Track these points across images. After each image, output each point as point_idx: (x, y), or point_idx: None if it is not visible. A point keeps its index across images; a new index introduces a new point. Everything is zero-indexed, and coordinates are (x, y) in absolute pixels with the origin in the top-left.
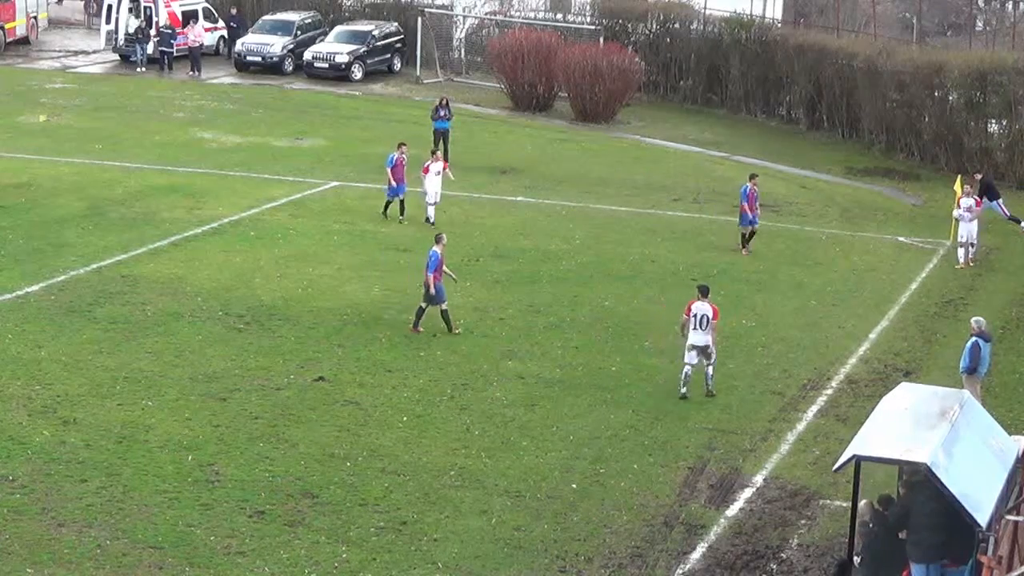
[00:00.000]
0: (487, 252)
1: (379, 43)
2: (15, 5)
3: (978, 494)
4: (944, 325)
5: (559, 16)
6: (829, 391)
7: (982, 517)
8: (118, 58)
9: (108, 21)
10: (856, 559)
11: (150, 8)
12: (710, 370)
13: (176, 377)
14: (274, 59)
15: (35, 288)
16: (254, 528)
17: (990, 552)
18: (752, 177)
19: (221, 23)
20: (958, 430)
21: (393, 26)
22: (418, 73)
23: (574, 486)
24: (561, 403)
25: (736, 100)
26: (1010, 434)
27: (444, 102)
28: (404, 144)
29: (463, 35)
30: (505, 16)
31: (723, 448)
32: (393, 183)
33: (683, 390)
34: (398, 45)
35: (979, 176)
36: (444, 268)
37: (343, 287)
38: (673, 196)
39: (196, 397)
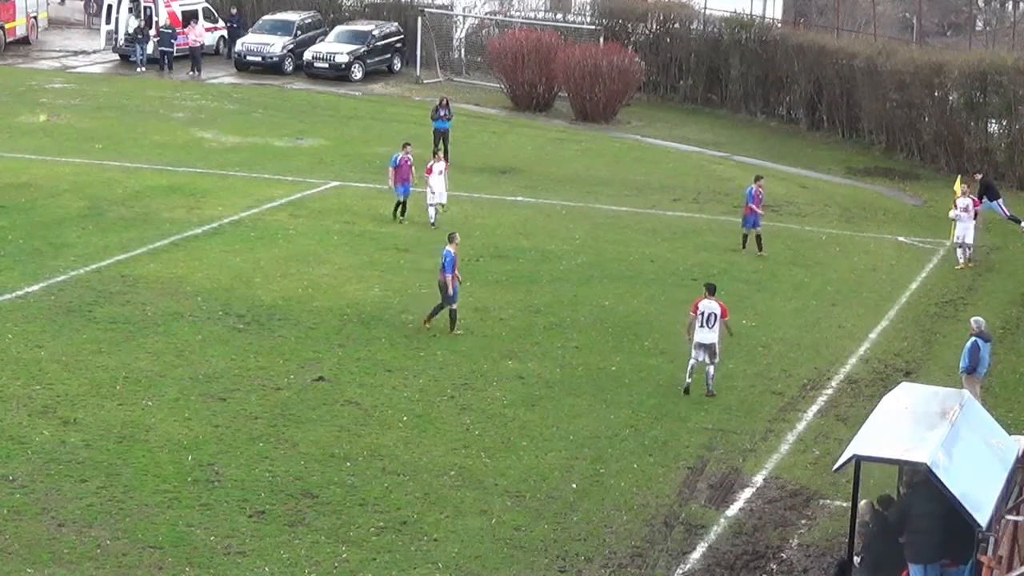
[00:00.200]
0: (487, 252)
1: (379, 43)
2: (15, 5)
3: (978, 494)
4: (944, 325)
5: (559, 16)
6: (829, 391)
7: (982, 517)
8: (118, 58)
9: (108, 21)
10: (856, 559)
11: (150, 8)
12: (711, 370)
13: (176, 377)
14: (274, 59)
15: (35, 288)
16: (254, 528)
17: (990, 552)
18: (757, 179)
19: (221, 23)
20: (958, 430)
21: (393, 26)
22: (418, 73)
23: (574, 486)
24: (561, 403)
25: (736, 100)
26: (1010, 434)
27: (444, 102)
28: (409, 144)
29: (463, 35)
30: (505, 16)
31: (723, 448)
32: (397, 183)
33: (688, 381)
34: (398, 45)
35: (979, 176)
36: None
37: (343, 287)
38: (673, 196)
39: (196, 397)
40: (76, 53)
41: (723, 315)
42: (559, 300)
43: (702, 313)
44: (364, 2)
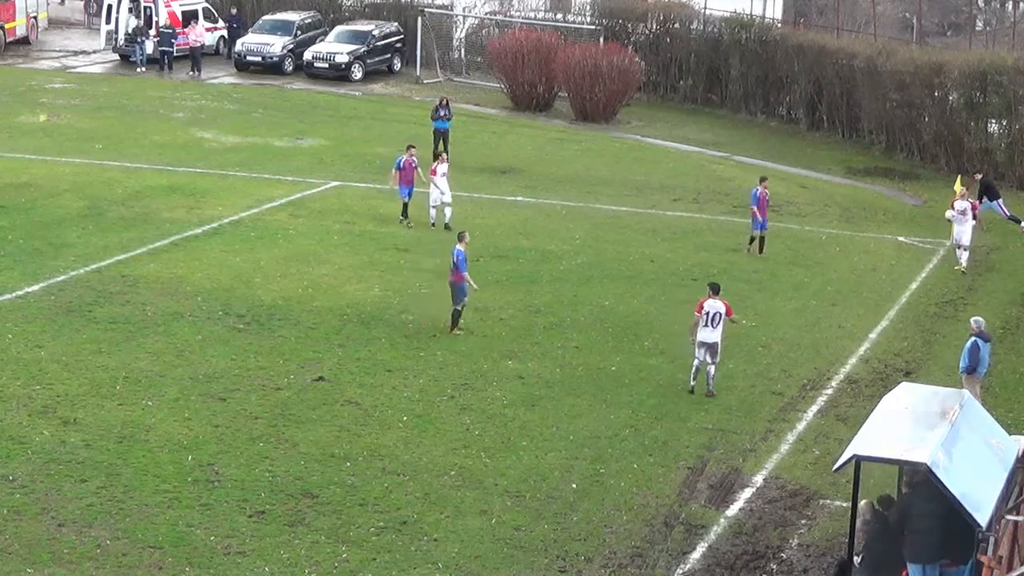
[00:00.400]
0: (487, 252)
1: (379, 43)
2: (15, 5)
3: (978, 494)
4: (944, 325)
5: (559, 16)
6: (829, 391)
7: (982, 517)
8: (118, 58)
9: (108, 21)
10: (856, 559)
11: (150, 8)
12: (711, 370)
13: (176, 377)
14: (274, 59)
15: (35, 288)
16: (254, 528)
17: (990, 552)
18: (762, 180)
19: (221, 23)
20: (958, 430)
21: (393, 26)
22: (418, 73)
23: (574, 486)
24: (561, 403)
25: (736, 100)
26: (1010, 434)
27: (444, 102)
28: (413, 147)
29: (463, 35)
30: (505, 16)
31: (723, 448)
32: (401, 185)
33: (692, 383)
34: (398, 45)
35: (979, 176)
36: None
37: (343, 287)
38: (673, 196)
39: (196, 397)
40: (76, 53)
41: (728, 314)
42: (559, 300)
43: (707, 313)
44: (364, 2)
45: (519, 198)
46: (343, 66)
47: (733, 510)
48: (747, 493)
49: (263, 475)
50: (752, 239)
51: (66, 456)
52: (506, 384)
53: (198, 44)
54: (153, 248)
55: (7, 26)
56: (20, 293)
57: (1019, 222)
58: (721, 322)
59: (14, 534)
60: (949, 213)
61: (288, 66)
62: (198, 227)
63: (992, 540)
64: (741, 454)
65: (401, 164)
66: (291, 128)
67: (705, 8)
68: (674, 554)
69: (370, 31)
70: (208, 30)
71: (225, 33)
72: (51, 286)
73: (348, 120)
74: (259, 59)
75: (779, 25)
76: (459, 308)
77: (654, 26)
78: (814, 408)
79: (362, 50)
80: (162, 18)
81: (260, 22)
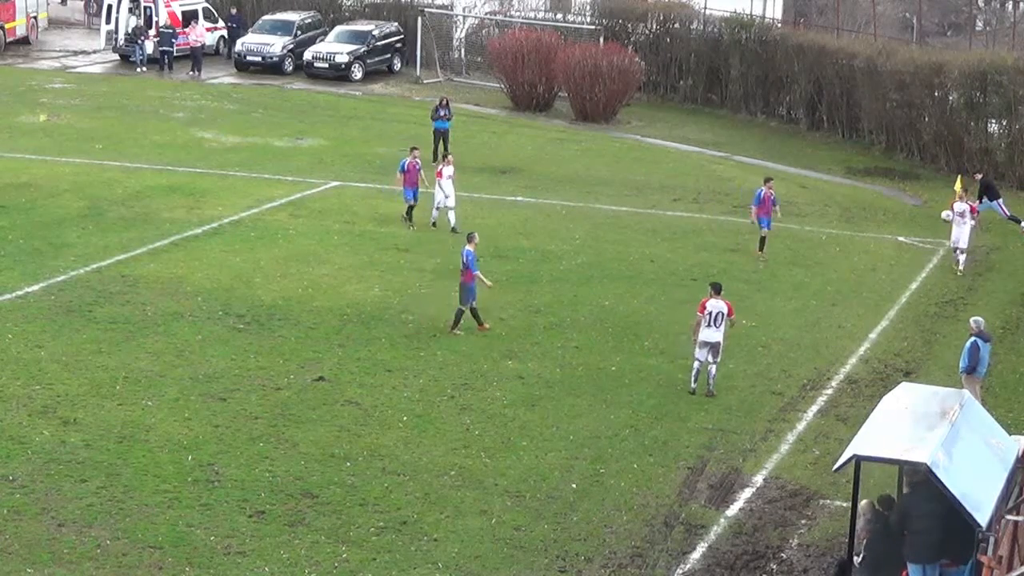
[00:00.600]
0: (487, 252)
1: (379, 43)
2: (15, 5)
3: (978, 494)
4: (944, 325)
5: (559, 16)
6: (829, 391)
7: (982, 517)
8: (118, 58)
9: (108, 21)
10: (856, 559)
11: (150, 8)
12: (712, 369)
13: (176, 377)
14: (274, 59)
15: (35, 288)
16: (254, 528)
17: (990, 552)
18: (767, 180)
19: (221, 23)
20: (958, 430)
21: (393, 26)
22: (418, 73)
23: (574, 486)
24: (561, 403)
25: (736, 100)
26: (1010, 434)
27: (444, 102)
28: (417, 148)
29: (463, 35)
30: (505, 16)
31: (723, 448)
32: (405, 187)
33: (693, 385)
34: (398, 45)
35: (979, 176)
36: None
37: (343, 287)
38: (673, 196)
39: (196, 397)
40: (76, 53)
41: (730, 313)
42: (559, 300)
43: (709, 313)
44: (364, 2)
45: (519, 198)
46: (343, 66)
47: (733, 510)
48: (747, 493)
49: (263, 475)
50: (763, 240)
51: (66, 456)
52: (506, 384)
53: (198, 44)
54: (153, 248)
55: (7, 26)
56: (20, 293)
57: (1019, 222)
58: (723, 322)
59: (14, 534)
60: (945, 214)
61: (288, 66)
62: (198, 227)
63: (992, 540)
64: (741, 454)
65: (405, 166)
66: (291, 128)
67: (705, 8)
68: (674, 554)
69: (370, 31)
70: (208, 30)
71: (225, 33)
72: (51, 286)
73: (348, 120)
74: (259, 59)
75: (779, 25)
76: (464, 309)
77: (654, 26)
78: (814, 408)
79: (362, 50)
80: (162, 18)
81: (260, 22)
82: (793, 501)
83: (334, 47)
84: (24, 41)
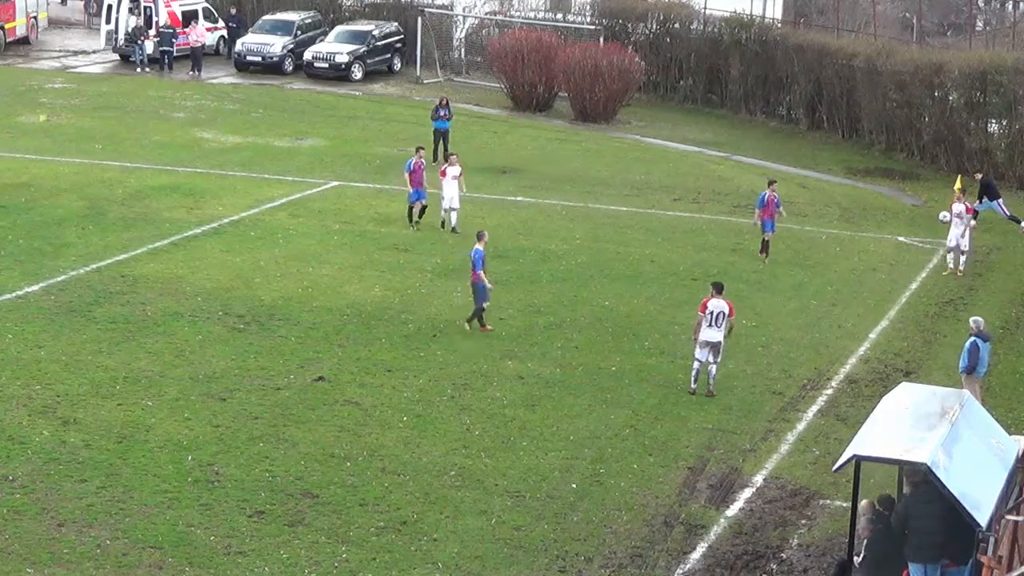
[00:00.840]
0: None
1: (379, 43)
2: (15, 5)
3: (978, 494)
4: (944, 325)
5: (559, 16)
6: (829, 391)
7: (982, 517)
8: (118, 58)
9: (108, 21)
10: (856, 559)
11: (150, 8)
12: (713, 369)
13: (176, 377)
14: (274, 59)
15: (35, 288)
16: (254, 528)
17: (990, 552)
18: (771, 183)
19: (221, 23)
20: (958, 430)
21: (393, 26)
22: (418, 73)
23: (574, 486)
24: (561, 403)
25: (736, 100)
26: (1010, 434)
27: (444, 102)
28: (422, 148)
29: (463, 35)
30: (505, 16)
31: (723, 448)
32: (412, 187)
33: (693, 386)
34: (398, 45)
35: (979, 176)
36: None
37: (343, 287)
38: (673, 196)
39: (196, 397)
40: (76, 53)
41: (731, 313)
42: (559, 300)
43: (711, 312)
44: (364, 2)
45: (519, 198)
46: (343, 66)
47: (733, 510)
48: (747, 493)
49: (263, 475)
50: (764, 243)
51: (66, 456)
52: (506, 384)
53: (198, 44)
54: (153, 248)
55: (7, 26)
56: (20, 293)
57: (1019, 222)
58: (725, 322)
59: (14, 534)
60: (942, 215)
61: (288, 66)
62: (198, 227)
63: (992, 540)
64: (741, 454)
65: (411, 166)
66: (291, 128)
67: (705, 8)
68: (674, 554)
69: (370, 31)
70: (208, 30)
71: (225, 33)
72: (51, 286)
73: (348, 120)
74: (259, 59)
75: (779, 25)
76: (484, 308)
77: (654, 26)
78: (814, 408)
79: (362, 50)
80: (162, 18)
81: (260, 22)
82: (793, 501)
83: (334, 47)
84: (24, 41)
